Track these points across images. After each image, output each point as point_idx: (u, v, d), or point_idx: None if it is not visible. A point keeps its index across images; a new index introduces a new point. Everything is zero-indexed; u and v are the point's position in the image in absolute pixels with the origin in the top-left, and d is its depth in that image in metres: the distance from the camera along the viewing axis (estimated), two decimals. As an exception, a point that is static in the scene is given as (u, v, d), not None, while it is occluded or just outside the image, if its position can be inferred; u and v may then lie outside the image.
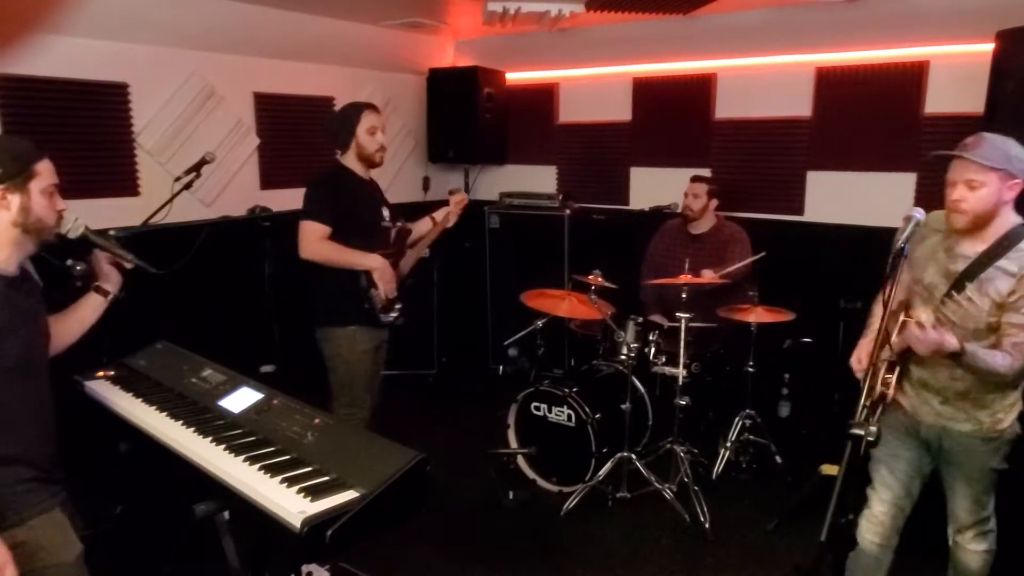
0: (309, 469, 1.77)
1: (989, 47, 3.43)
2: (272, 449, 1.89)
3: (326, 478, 1.73)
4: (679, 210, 4.25)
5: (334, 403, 3.21)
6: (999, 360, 2.05)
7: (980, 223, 2.14)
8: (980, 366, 2.06)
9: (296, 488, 1.68)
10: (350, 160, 3.16)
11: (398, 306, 3.19)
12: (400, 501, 1.69)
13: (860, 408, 1.79)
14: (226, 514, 2.12)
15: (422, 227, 3.44)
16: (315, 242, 3.00)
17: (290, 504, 1.61)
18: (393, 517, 1.74)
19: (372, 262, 3.06)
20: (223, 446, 1.92)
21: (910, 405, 2.36)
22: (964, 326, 2.14)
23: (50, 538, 1.84)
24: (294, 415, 2.01)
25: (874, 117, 4.22)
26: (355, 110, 3.14)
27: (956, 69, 3.95)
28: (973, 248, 2.17)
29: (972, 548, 2.39)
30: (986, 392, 2.21)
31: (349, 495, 1.65)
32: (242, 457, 1.85)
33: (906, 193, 4.12)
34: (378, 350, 3.28)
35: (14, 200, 1.74)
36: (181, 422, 2.08)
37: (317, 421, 1.96)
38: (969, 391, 2.21)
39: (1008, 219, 2.15)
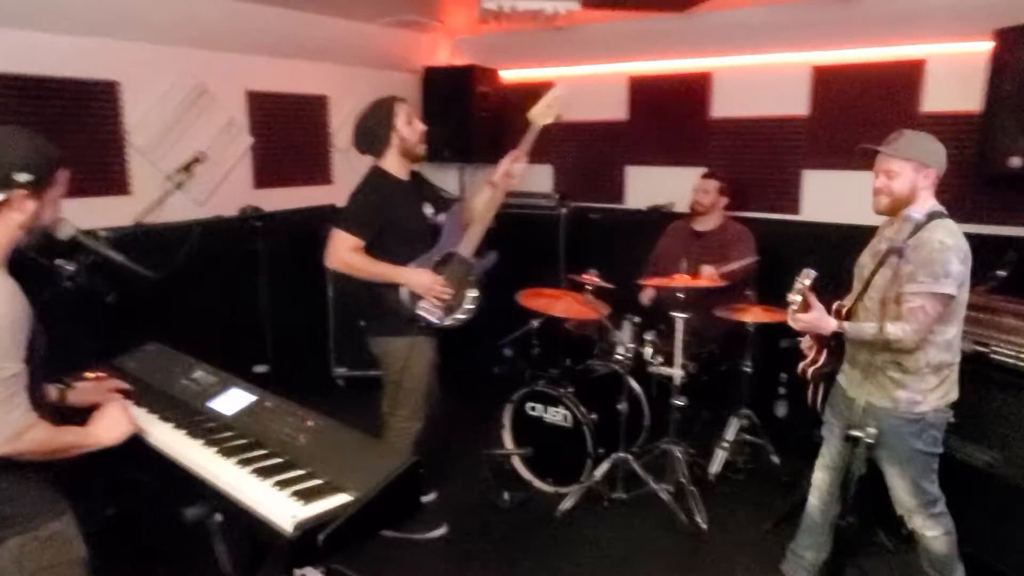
0: (302, 472, 1.74)
1: (987, 45, 3.42)
2: (264, 452, 1.86)
3: (319, 481, 1.70)
4: (675, 209, 4.23)
5: (390, 415, 3.09)
6: (890, 329, 2.29)
7: (898, 207, 2.41)
8: (869, 338, 2.35)
9: (289, 492, 1.65)
10: (390, 161, 3.00)
11: (468, 305, 3.04)
12: (393, 504, 1.67)
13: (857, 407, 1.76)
14: (218, 516, 2.10)
15: (477, 199, 3.20)
16: (343, 252, 2.87)
17: (282, 508, 1.59)
18: (386, 521, 1.72)
19: (405, 277, 2.90)
20: (215, 449, 1.89)
21: (844, 381, 2.61)
22: (882, 300, 2.37)
23: (75, 534, 1.84)
24: (286, 417, 1.98)
25: (871, 116, 4.19)
26: (387, 105, 2.97)
27: (954, 68, 3.93)
28: (898, 233, 2.38)
29: (928, 534, 2.54)
30: (902, 371, 2.40)
31: (342, 499, 1.62)
32: (234, 460, 1.82)
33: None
34: (437, 357, 3.16)
35: (30, 206, 1.69)
36: (172, 424, 2.05)
37: (309, 423, 1.93)
38: (885, 367, 2.41)
39: (926, 205, 2.38)
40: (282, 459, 1.81)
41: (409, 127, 2.98)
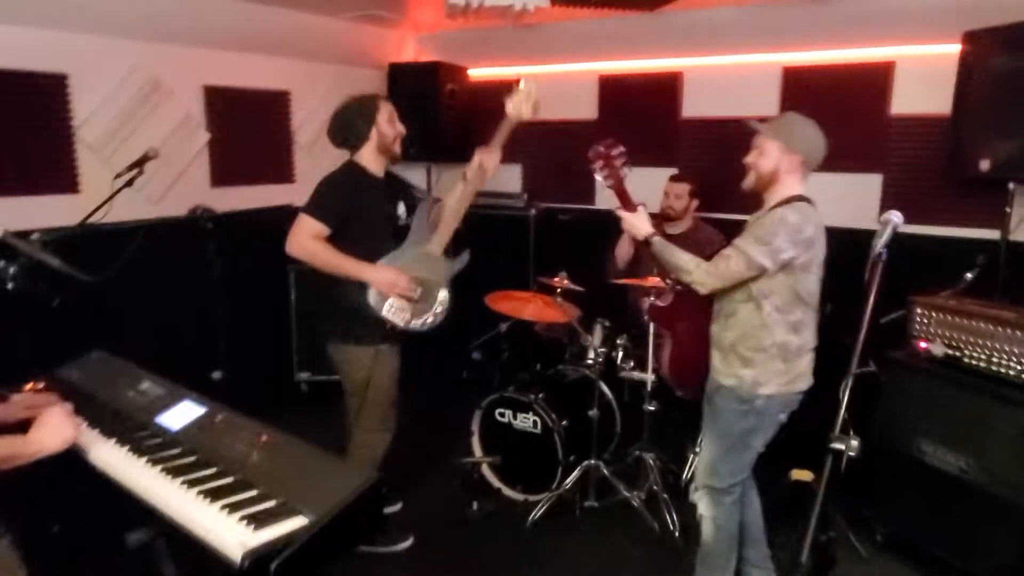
0: (253, 493, 1.62)
1: (956, 48, 3.42)
2: (213, 471, 1.74)
3: (271, 503, 1.58)
4: (648, 211, 4.15)
5: (355, 427, 2.95)
6: (685, 258, 2.45)
7: (763, 185, 2.49)
8: (668, 257, 2.49)
9: (238, 516, 1.53)
10: (367, 156, 2.89)
11: (438, 308, 2.92)
12: (353, 527, 1.57)
13: (839, 420, 1.70)
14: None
15: (450, 199, 3.06)
16: (305, 238, 2.71)
17: (230, 534, 1.47)
18: (346, 544, 1.61)
19: (367, 272, 2.75)
20: (159, 467, 1.76)
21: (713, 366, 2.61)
22: None
23: (14, 560, 1.73)
24: (239, 432, 1.86)
25: (841, 117, 4.13)
26: (371, 100, 2.89)
27: (923, 69, 3.92)
28: (762, 212, 2.50)
29: (700, 511, 2.64)
30: (750, 350, 2.42)
31: (296, 522, 1.51)
32: (179, 480, 1.70)
33: (872, 194, 4.10)
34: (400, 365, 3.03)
35: None
36: (115, 440, 1.92)
37: (264, 438, 1.81)
38: (735, 344, 2.45)
39: (789, 190, 2.44)
40: (233, 479, 1.69)
41: (390, 125, 2.89)
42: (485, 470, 3.65)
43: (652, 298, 3.01)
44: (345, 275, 2.77)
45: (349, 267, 2.75)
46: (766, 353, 2.41)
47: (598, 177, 2.63)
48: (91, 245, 2.60)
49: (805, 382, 2.49)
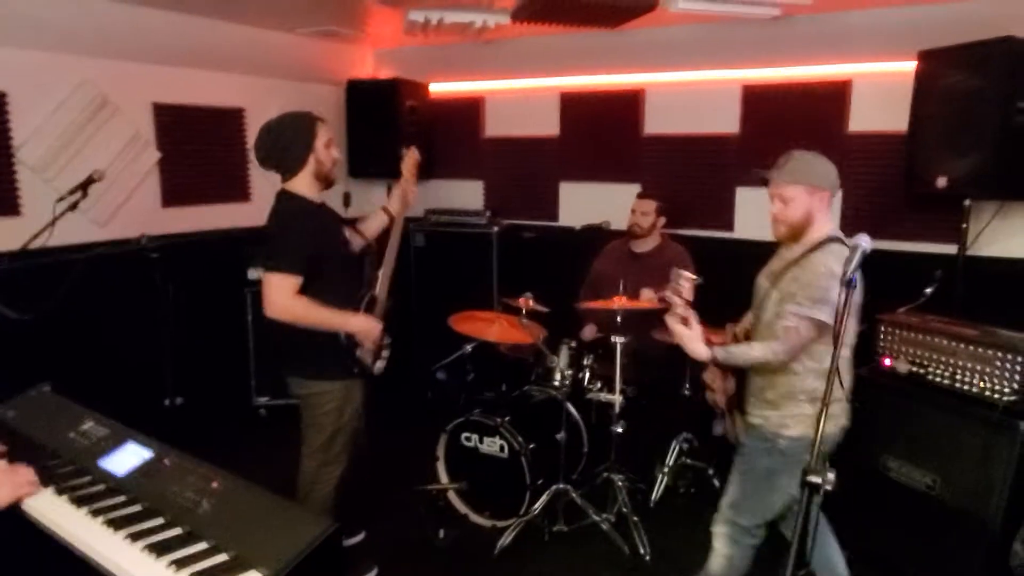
0: (204, 547, 1.52)
1: (912, 65, 3.46)
2: (160, 522, 1.63)
3: (223, 557, 1.48)
4: (611, 227, 4.13)
5: (309, 459, 2.83)
6: (757, 351, 2.31)
7: (797, 232, 2.37)
8: (741, 362, 2.36)
9: (187, 573, 1.43)
10: (302, 184, 2.70)
11: (385, 352, 2.90)
12: (312, 581, 1.46)
13: (815, 453, 1.66)
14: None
15: (373, 225, 3.06)
16: (283, 299, 2.54)
17: (177, 596, 1.37)
18: (303, 599, 1.51)
19: (353, 324, 2.70)
20: (100, 519, 1.64)
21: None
22: (769, 322, 2.37)
23: None
24: (187, 477, 1.75)
25: (799, 134, 4.17)
26: (308, 122, 2.68)
27: (879, 88, 3.98)
28: (791, 252, 2.40)
29: (716, 544, 2.55)
30: (778, 396, 2.35)
31: (250, 578, 1.41)
32: (123, 533, 1.58)
33: (832, 211, 4.12)
34: (360, 398, 2.95)
35: None
36: (52, 488, 1.79)
37: (215, 485, 1.70)
38: (763, 389, 2.39)
39: (824, 229, 2.35)
40: (181, 530, 1.59)
41: (327, 151, 2.72)
42: (451, 496, 3.56)
43: (723, 394, 2.72)
44: (332, 329, 2.68)
45: (336, 321, 2.67)
46: (794, 399, 2.33)
47: (676, 307, 2.42)
48: (33, 273, 2.45)
49: (837, 425, 2.37)
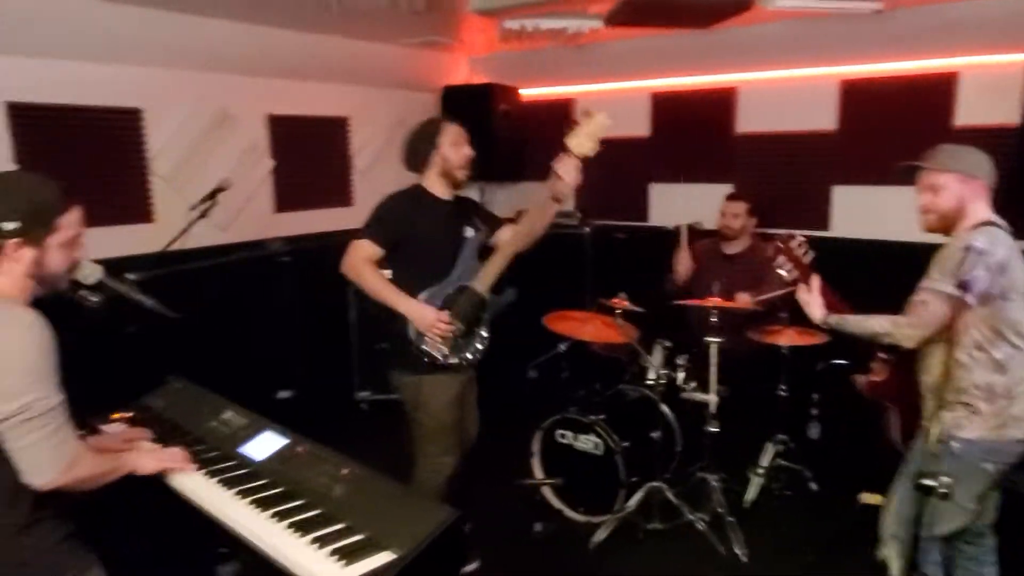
0: (340, 527, 1.67)
1: (1022, 57, 3.33)
2: (299, 503, 1.79)
3: (359, 537, 1.63)
4: (704, 227, 4.14)
5: (417, 451, 2.94)
6: (876, 321, 2.28)
7: (949, 222, 2.28)
8: (855, 329, 2.34)
9: (328, 550, 1.58)
10: (430, 180, 2.87)
11: (477, 344, 2.87)
12: (436, 564, 1.59)
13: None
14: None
15: (504, 233, 2.99)
16: (357, 260, 2.73)
17: (323, 570, 1.53)
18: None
19: (406, 308, 2.71)
20: (248, 500, 1.83)
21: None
22: None
23: None
24: (320, 464, 1.91)
25: (902, 130, 4.09)
26: (435, 123, 2.88)
27: (987, 80, 3.83)
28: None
29: (885, 556, 2.38)
30: (949, 392, 2.19)
31: (384, 557, 1.55)
32: (268, 513, 1.76)
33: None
34: (466, 389, 2.99)
35: (27, 254, 1.62)
36: (202, 471, 1.99)
37: (344, 472, 1.86)
38: (934, 388, 2.26)
39: (978, 215, 2.25)
40: (319, 511, 1.74)
41: (454, 149, 2.85)
42: (546, 491, 3.66)
43: (867, 376, 2.72)
44: (384, 302, 2.76)
45: (392, 298, 2.74)
46: (966, 395, 2.20)
47: (782, 272, 2.53)
48: (174, 280, 2.71)
49: (1021, 429, 2.19)
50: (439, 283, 2.82)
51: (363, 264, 2.74)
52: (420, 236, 2.80)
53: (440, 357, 2.80)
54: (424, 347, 2.78)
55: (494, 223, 3.05)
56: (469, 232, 2.94)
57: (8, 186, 1.64)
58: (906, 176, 2.40)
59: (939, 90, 4.00)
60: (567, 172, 2.73)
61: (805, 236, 2.65)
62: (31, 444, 1.54)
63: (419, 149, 2.86)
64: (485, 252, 2.93)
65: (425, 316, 2.73)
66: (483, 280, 2.87)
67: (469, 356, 2.89)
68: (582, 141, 2.75)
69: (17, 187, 1.64)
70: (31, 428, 1.53)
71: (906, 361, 2.41)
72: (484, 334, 2.93)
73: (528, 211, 2.88)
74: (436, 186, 2.89)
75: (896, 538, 2.35)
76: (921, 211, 2.35)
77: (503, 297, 2.97)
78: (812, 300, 2.43)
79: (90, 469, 1.68)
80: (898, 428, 2.62)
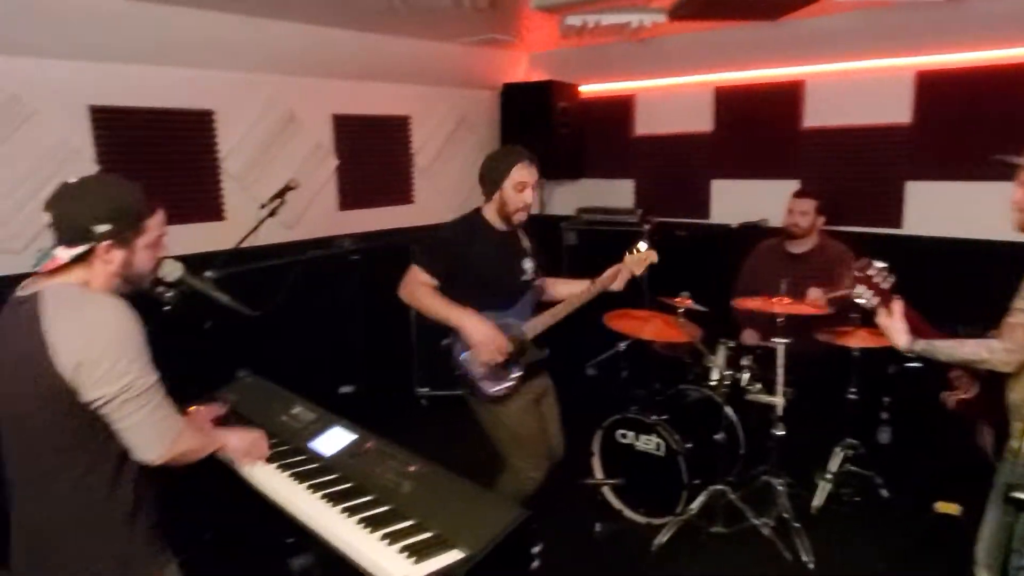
0: (409, 524, 1.69)
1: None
2: (369, 499, 1.82)
3: (428, 535, 1.64)
4: (770, 225, 4.04)
5: (507, 467, 2.95)
6: (969, 347, 2.12)
7: None
8: (944, 356, 2.18)
9: (398, 546, 1.60)
10: (490, 211, 2.85)
11: (514, 375, 2.81)
12: (505, 564, 1.60)
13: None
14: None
15: (565, 289, 3.04)
16: (412, 285, 2.76)
17: (393, 566, 1.54)
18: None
19: (460, 317, 2.68)
20: (320, 494, 1.86)
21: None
22: None
23: None
24: (388, 461, 1.94)
25: (981, 122, 3.92)
26: (509, 160, 2.77)
27: (1077, 69, 3.63)
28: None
29: None
30: None
31: (454, 556, 1.56)
32: (339, 508, 1.79)
33: (1020, 204, 3.81)
34: (542, 397, 3.02)
35: (117, 255, 1.68)
36: (275, 465, 2.04)
37: (412, 468, 1.88)
38: (1020, 406, 2.11)
39: None
40: (388, 507, 1.77)
41: (515, 194, 2.78)
42: (606, 491, 3.64)
43: (955, 394, 2.59)
44: (440, 318, 2.74)
45: (444, 310, 2.71)
46: None
47: (861, 301, 2.38)
48: (248, 279, 2.78)
49: None
50: (494, 314, 2.80)
51: (417, 287, 2.76)
52: (475, 266, 2.79)
53: (477, 375, 2.81)
54: (463, 358, 2.79)
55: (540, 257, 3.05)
56: (527, 264, 2.92)
57: (97, 190, 1.69)
58: (994, 171, 2.29)
59: (1021, 80, 3.80)
60: (617, 283, 3.06)
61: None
62: (139, 422, 1.61)
63: (486, 179, 2.84)
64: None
65: (483, 329, 2.68)
66: (533, 327, 2.90)
67: (495, 390, 2.84)
68: (637, 260, 3.11)
69: (106, 191, 1.69)
70: (136, 406, 1.60)
71: (996, 384, 2.27)
72: (517, 374, 2.86)
73: (575, 293, 3.00)
74: (494, 218, 2.87)
75: (991, 569, 2.22)
76: (1014, 208, 2.26)
77: (541, 352, 2.96)
78: (894, 326, 2.27)
79: (191, 443, 1.76)
80: (991, 440, 2.49)
